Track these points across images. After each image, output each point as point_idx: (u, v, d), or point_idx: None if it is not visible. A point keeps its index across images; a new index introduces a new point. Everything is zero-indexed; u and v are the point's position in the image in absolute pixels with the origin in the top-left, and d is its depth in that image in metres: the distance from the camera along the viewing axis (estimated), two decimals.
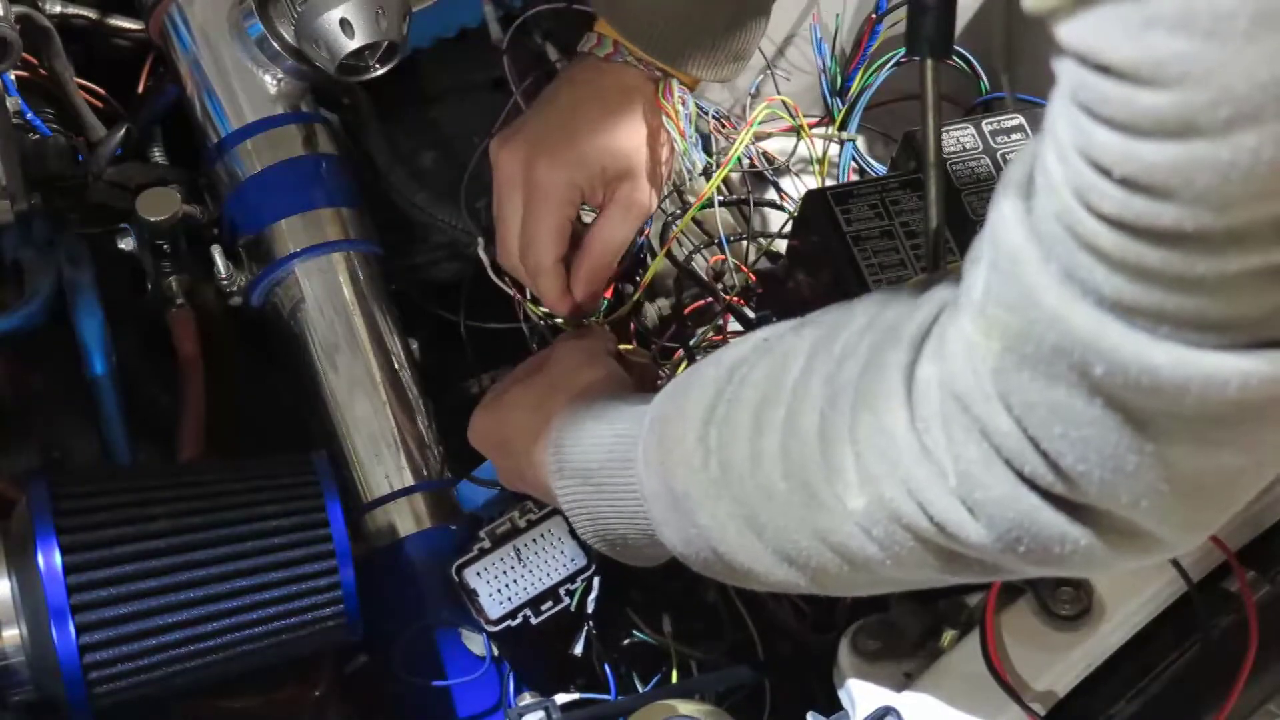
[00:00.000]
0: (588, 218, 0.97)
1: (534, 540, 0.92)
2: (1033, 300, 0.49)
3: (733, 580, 0.71)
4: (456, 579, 0.91)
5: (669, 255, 1.11)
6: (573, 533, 0.91)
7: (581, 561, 0.92)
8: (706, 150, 1.19)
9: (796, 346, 0.64)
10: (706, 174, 1.14)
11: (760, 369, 0.65)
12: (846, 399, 0.59)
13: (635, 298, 1.03)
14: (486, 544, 0.92)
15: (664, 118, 0.92)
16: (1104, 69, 0.42)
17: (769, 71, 1.22)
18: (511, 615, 0.91)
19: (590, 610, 0.92)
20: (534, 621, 0.92)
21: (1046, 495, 0.53)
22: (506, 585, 0.92)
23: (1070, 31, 0.43)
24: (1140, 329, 0.47)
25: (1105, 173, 0.44)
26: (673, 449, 0.69)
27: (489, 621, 0.91)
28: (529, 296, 1.01)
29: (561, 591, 0.92)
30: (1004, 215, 0.51)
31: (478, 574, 0.92)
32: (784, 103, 1.14)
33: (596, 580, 0.92)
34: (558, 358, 0.87)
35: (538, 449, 0.81)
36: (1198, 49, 0.39)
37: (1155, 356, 0.46)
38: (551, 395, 0.82)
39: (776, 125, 1.16)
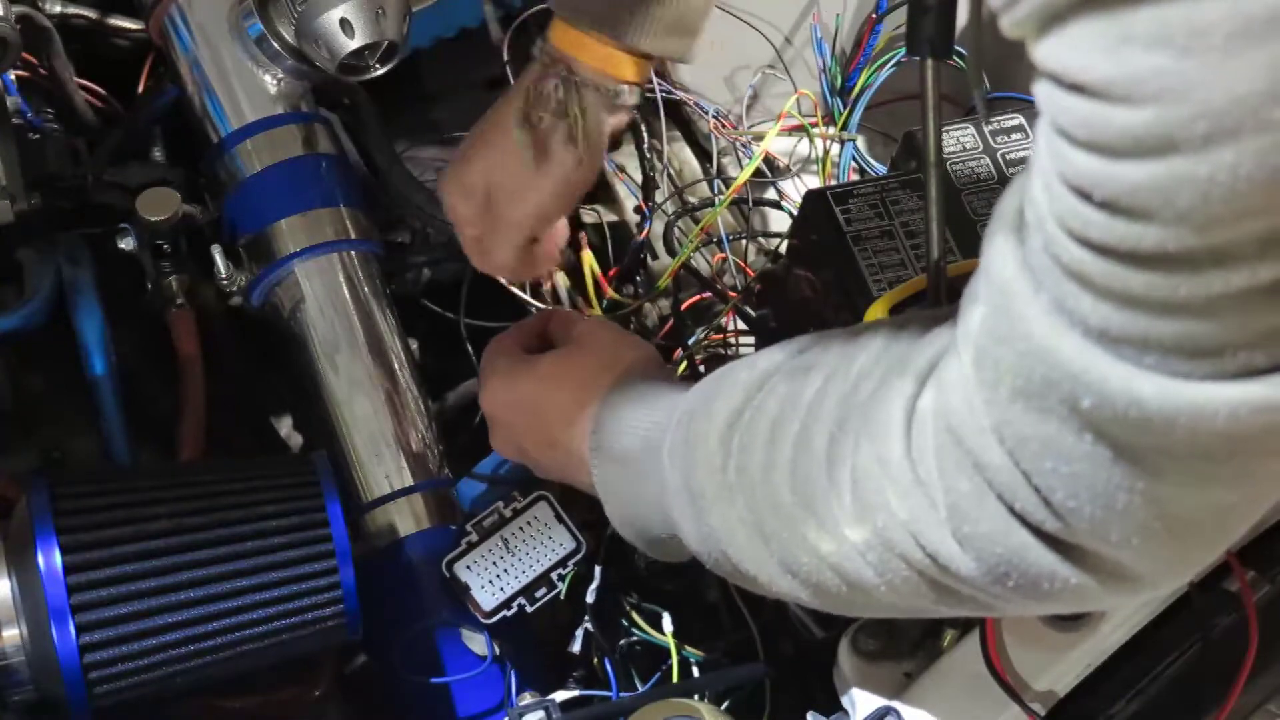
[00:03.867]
0: None
1: (521, 529, 0.93)
2: (1023, 332, 0.49)
3: (741, 583, 0.71)
4: (448, 575, 0.91)
5: (671, 253, 1.11)
6: (559, 517, 0.92)
7: (570, 545, 0.92)
8: (705, 150, 1.20)
9: (822, 361, 0.64)
10: (721, 180, 1.15)
11: (786, 380, 0.65)
12: (854, 423, 0.59)
13: (658, 285, 1.03)
14: (474, 537, 0.92)
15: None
16: (1079, 88, 0.41)
17: (768, 71, 1.22)
18: (506, 605, 0.92)
19: (590, 601, 0.92)
20: (529, 609, 0.92)
21: (1037, 532, 0.53)
22: (498, 576, 0.92)
23: (1045, 52, 0.42)
24: (1127, 359, 0.46)
25: (1086, 197, 0.43)
26: (696, 446, 0.69)
27: (484, 614, 0.91)
28: (528, 292, 1.01)
29: (554, 577, 0.92)
30: (996, 247, 0.51)
31: (468, 568, 0.92)
32: (799, 100, 1.14)
33: (597, 570, 0.92)
34: (589, 338, 0.86)
35: (579, 428, 0.80)
36: (1175, 64, 0.39)
37: (1142, 388, 0.46)
38: (598, 375, 0.81)
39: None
